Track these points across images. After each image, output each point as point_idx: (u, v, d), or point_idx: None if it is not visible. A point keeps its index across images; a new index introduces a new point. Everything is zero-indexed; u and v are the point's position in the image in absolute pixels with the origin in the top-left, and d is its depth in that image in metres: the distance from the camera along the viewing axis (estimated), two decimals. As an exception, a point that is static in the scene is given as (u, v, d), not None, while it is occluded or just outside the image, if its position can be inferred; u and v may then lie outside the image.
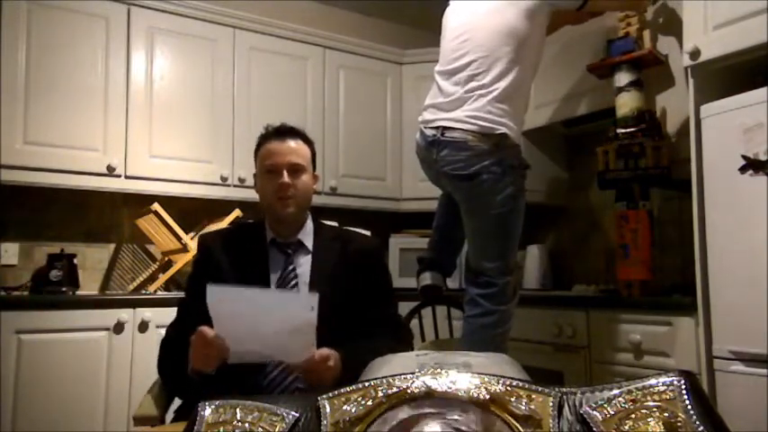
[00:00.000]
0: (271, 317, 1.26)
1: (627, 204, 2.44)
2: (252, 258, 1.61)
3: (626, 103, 2.44)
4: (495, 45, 2.03)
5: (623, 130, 2.43)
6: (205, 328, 1.30)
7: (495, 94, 2.00)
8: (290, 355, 1.33)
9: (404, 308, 2.57)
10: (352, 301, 1.59)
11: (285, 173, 1.59)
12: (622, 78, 2.46)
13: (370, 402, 0.61)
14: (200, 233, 1.76)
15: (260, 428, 0.62)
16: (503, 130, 1.99)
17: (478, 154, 1.97)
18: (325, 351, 1.35)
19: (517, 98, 2.06)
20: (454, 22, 2.22)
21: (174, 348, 1.50)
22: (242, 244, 1.64)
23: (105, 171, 2.83)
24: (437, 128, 2.05)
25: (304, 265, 1.62)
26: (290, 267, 1.61)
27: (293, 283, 1.59)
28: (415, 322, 2.46)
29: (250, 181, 3.14)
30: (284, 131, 1.65)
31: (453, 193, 2.12)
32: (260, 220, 1.70)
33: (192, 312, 1.44)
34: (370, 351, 1.05)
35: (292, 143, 1.62)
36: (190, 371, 1.38)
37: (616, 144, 2.44)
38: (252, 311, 1.27)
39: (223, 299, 1.27)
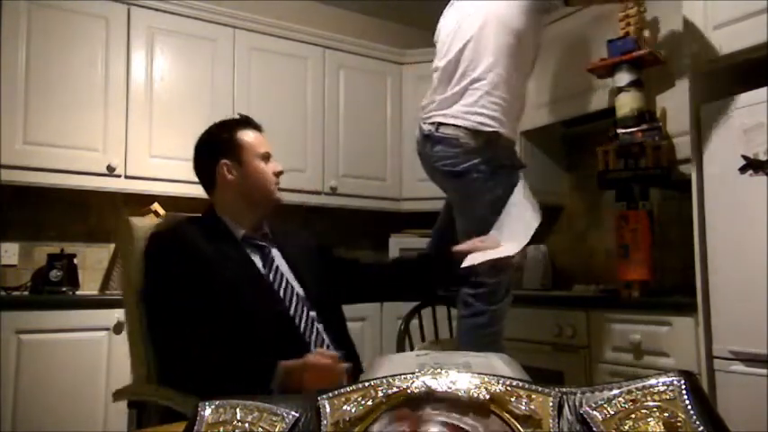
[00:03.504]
0: None
1: (627, 204, 2.44)
2: (238, 257, 1.53)
3: (626, 104, 2.44)
4: (487, 40, 2.03)
5: (623, 131, 2.43)
6: (323, 357, 1.32)
7: (487, 88, 1.99)
8: None
9: (404, 308, 2.57)
10: (329, 290, 1.62)
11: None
12: (622, 78, 2.46)
13: (370, 402, 0.61)
14: (154, 232, 1.56)
15: (260, 428, 0.62)
16: (495, 126, 1.98)
17: (468, 151, 1.97)
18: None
19: (510, 91, 2.04)
20: (449, 20, 2.23)
21: (209, 358, 1.36)
22: (216, 241, 1.51)
23: (105, 171, 2.83)
24: (432, 123, 2.06)
25: (277, 259, 1.59)
26: (275, 266, 1.57)
27: (281, 281, 1.55)
28: (414, 322, 2.46)
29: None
30: (254, 122, 1.65)
31: (446, 190, 2.13)
32: (207, 216, 1.59)
33: (200, 311, 1.39)
34: None
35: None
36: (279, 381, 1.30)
37: (616, 144, 2.44)
38: None
39: None
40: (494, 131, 1.98)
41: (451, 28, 2.16)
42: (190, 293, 1.42)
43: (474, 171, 1.96)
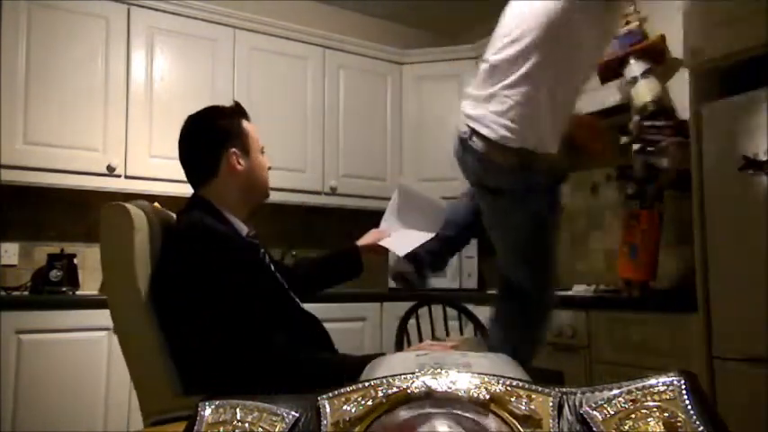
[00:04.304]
0: None
1: (640, 204, 2.38)
2: (254, 255, 1.51)
3: (645, 91, 2.31)
4: (532, 44, 1.73)
5: (649, 123, 2.29)
6: (437, 345, 1.41)
7: (518, 98, 1.72)
8: None
9: (401, 308, 2.57)
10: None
11: None
12: (636, 68, 2.35)
13: (370, 402, 0.61)
14: (206, 225, 1.39)
15: (260, 428, 0.62)
16: (520, 143, 1.71)
17: (499, 170, 1.75)
18: None
19: (549, 103, 1.75)
20: (512, 15, 1.91)
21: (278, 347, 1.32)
22: (242, 242, 1.48)
23: (105, 171, 2.83)
24: (468, 128, 1.81)
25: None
26: (272, 266, 1.55)
27: (282, 281, 1.54)
28: (412, 322, 2.46)
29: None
30: (247, 112, 1.57)
31: (477, 199, 1.94)
32: (209, 209, 1.46)
33: (259, 305, 1.35)
34: None
35: None
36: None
37: (638, 142, 2.32)
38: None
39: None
40: (522, 148, 1.71)
41: (511, 24, 1.85)
42: (252, 286, 1.35)
43: (507, 191, 1.77)
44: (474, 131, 1.78)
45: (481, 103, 1.79)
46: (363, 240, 1.86)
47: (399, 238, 1.88)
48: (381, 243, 1.86)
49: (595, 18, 1.75)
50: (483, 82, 1.83)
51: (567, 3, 1.68)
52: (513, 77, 1.73)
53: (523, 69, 1.72)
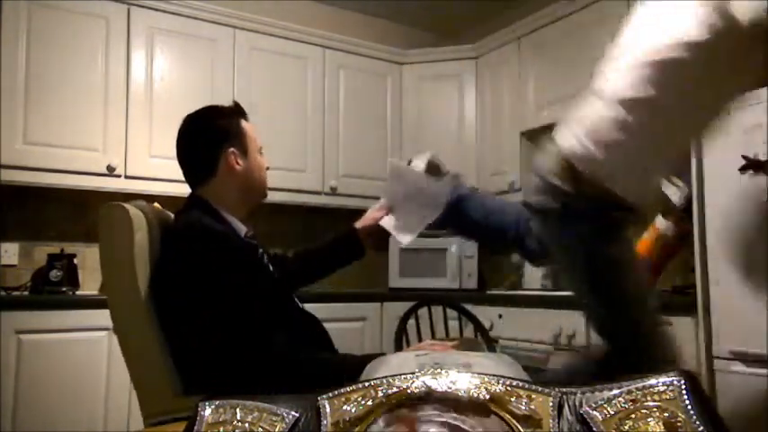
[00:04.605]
0: None
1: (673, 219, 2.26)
2: (253, 257, 1.51)
3: None
4: (648, 48, 1.40)
5: None
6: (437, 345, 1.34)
7: (612, 109, 1.37)
8: None
9: (401, 308, 2.57)
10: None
11: None
12: None
13: (370, 402, 0.61)
14: (205, 225, 1.38)
15: (260, 428, 0.62)
16: (599, 175, 1.35)
17: (545, 188, 1.45)
18: None
19: (655, 137, 1.37)
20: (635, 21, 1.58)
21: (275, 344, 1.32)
22: (235, 237, 1.47)
23: (105, 171, 2.83)
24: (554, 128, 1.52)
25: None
26: (270, 266, 1.55)
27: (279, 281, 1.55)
28: (411, 322, 2.46)
29: (250, 181, 3.16)
30: (245, 112, 1.57)
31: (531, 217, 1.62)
32: (208, 209, 1.45)
33: (255, 301, 1.34)
34: None
35: None
36: None
37: None
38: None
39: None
40: (583, 173, 1.36)
41: (635, 37, 1.53)
42: (249, 285, 1.35)
43: (551, 212, 1.47)
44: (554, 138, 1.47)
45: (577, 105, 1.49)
46: (362, 222, 1.78)
47: (401, 220, 1.73)
48: (382, 223, 1.73)
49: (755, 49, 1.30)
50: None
51: (723, 22, 1.27)
52: (622, 95, 1.38)
53: (636, 94, 1.36)
